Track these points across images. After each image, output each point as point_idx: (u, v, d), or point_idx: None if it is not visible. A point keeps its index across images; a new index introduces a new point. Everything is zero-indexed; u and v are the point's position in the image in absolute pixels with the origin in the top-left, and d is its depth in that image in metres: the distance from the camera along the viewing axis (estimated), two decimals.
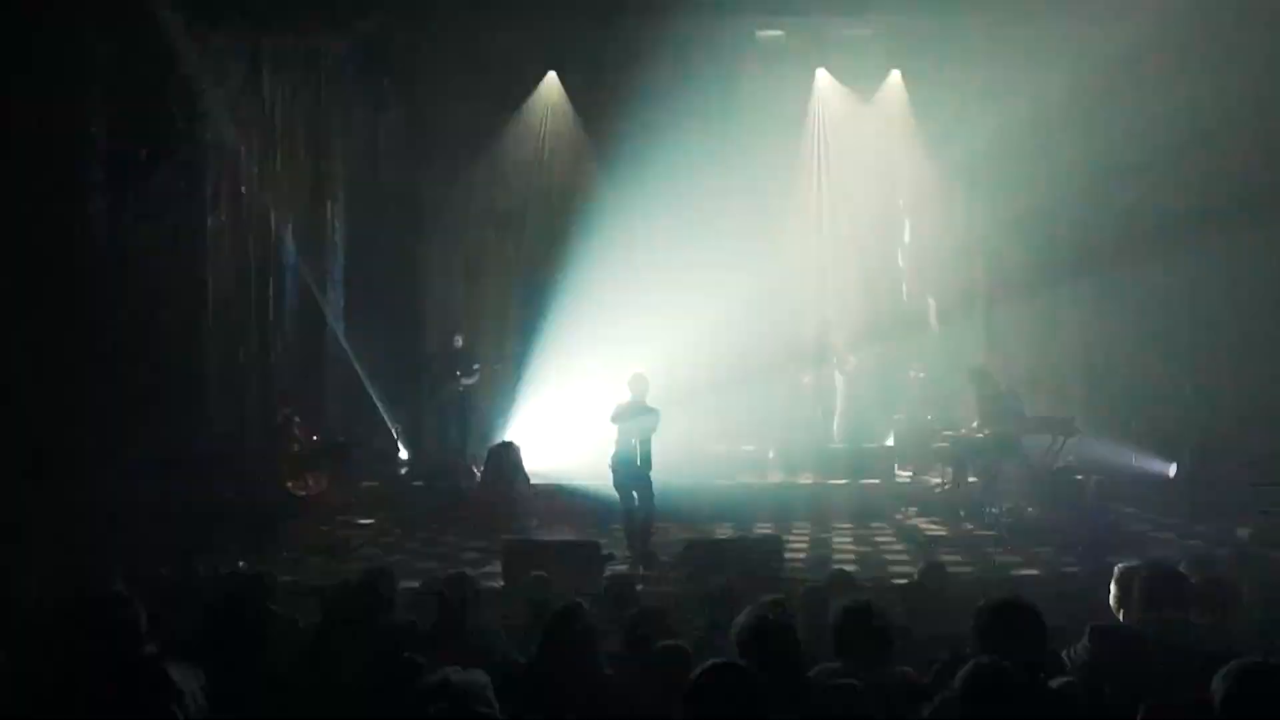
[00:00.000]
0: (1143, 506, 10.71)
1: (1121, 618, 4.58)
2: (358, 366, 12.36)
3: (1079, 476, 10.26)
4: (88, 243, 10.85)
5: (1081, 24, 11.11)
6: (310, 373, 12.70)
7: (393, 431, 12.69)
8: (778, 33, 12.68)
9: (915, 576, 6.56)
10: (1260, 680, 2.90)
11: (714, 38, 12.50)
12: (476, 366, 12.36)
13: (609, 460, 9.34)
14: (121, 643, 3.54)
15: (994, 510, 10.20)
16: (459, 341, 12.49)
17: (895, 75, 12.90)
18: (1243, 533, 8.90)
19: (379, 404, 12.78)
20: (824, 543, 10.07)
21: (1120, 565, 4.82)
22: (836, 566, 7.14)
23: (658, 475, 9.39)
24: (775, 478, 12.09)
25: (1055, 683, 3.49)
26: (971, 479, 10.48)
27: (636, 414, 9.21)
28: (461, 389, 12.22)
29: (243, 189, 12.03)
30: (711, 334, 12.86)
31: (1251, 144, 10.90)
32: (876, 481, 11.40)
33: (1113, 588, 4.70)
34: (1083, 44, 11.17)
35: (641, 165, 13.59)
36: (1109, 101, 11.45)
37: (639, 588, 6.37)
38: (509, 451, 11.08)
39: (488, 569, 8.52)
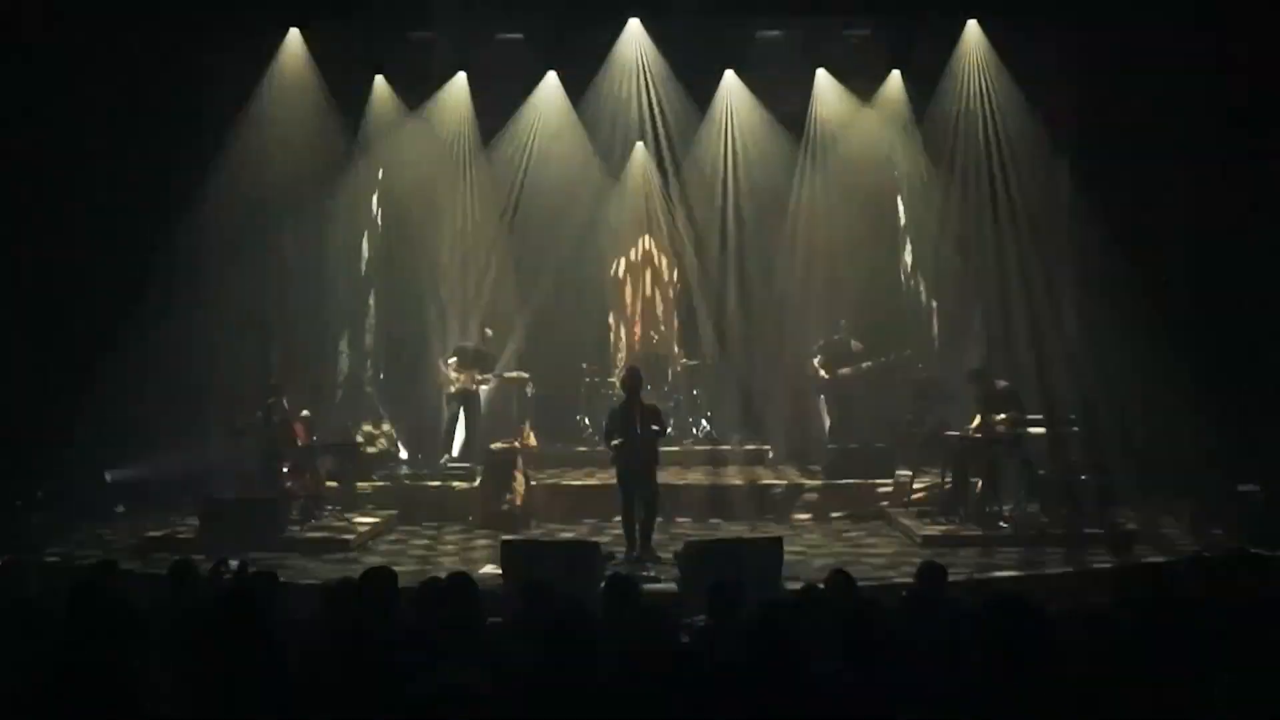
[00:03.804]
0: (1143, 506, 10.73)
1: None
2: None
3: (1080, 476, 10.26)
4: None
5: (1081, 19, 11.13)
6: (312, 371, 12.74)
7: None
8: (777, 33, 12.68)
9: (914, 576, 6.55)
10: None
11: (714, 37, 12.51)
12: (495, 373, 12.36)
13: (612, 457, 9.32)
14: (116, 643, 3.53)
15: (995, 510, 10.20)
16: (488, 333, 12.48)
17: (895, 75, 12.89)
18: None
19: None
20: (824, 543, 10.07)
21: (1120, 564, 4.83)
22: (836, 566, 7.13)
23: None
24: (776, 477, 12.09)
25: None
26: (972, 479, 10.47)
27: (634, 411, 9.20)
28: (475, 387, 12.22)
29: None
30: (711, 333, 12.90)
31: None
32: (876, 481, 11.39)
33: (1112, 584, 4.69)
34: (1081, 38, 11.20)
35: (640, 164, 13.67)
36: (1109, 98, 11.45)
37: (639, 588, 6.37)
38: (509, 452, 11.08)
39: (488, 569, 8.53)
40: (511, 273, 13.67)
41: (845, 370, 12.47)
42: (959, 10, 12.32)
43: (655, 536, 9.30)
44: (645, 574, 8.45)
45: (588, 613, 4.37)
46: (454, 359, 12.32)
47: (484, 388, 12.32)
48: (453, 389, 12.23)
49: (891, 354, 12.52)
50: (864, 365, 12.47)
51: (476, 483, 11.21)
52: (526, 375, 12.69)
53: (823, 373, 12.53)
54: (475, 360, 12.26)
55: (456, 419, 12.30)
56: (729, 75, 13.02)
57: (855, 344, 12.64)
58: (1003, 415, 10.18)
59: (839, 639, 3.87)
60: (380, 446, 12.46)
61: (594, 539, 9.04)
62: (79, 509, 10.76)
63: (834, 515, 11.09)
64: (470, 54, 12.78)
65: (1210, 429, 10.52)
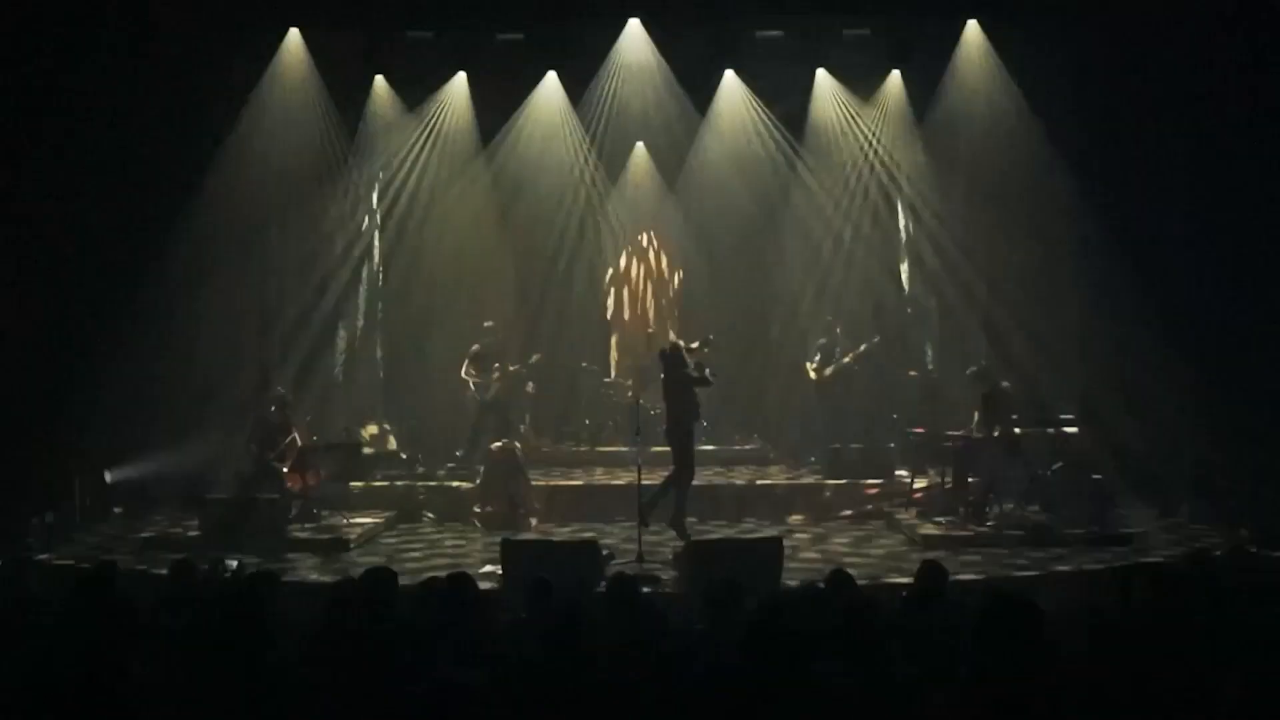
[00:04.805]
0: (1144, 505, 10.74)
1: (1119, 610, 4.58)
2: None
3: (1080, 476, 10.25)
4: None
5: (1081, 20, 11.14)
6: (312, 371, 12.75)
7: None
8: (777, 33, 12.67)
9: (915, 576, 6.55)
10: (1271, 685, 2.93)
11: (714, 37, 12.51)
12: (496, 366, 12.33)
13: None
14: (116, 643, 3.54)
15: (994, 510, 10.20)
16: (487, 324, 12.47)
17: (895, 75, 12.89)
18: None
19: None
20: (824, 543, 10.07)
21: (1120, 564, 4.83)
22: (836, 566, 7.13)
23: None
24: (775, 477, 12.09)
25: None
26: (971, 479, 10.46)
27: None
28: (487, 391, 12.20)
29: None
30: (712, 333, 12.89)
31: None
32: (876, 481, 11.39)
33: (1112, 584, 4.70)
34: (1081, 38, 11.21)
35: (640, 164, 13.68)
36: (1108, 98, 11.46)
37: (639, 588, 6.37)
38: (509, 451, 11.07)
39: (488, 569, 8.53)
40: (511, 272, 13.67)
41: (829, 370, 12.50)
42: (959, 10, 12.33)
43: (650, 538, 9.28)
44: (646, 573, 8.47)
45: (587, 613, 4.38)
46: (467, 362, 12.31)
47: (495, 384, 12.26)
48: (488, 395, 12.20)
49: (864, 345, 12.52)
50: (844, 360, 12.49)
51: (476, 483, 11.20)
52: (529, 360, 12.61)
53: (813, 374, 12.54)
54: (485, 360, 12.24)
55: (481, 424, 12.23)
56: (729, 75, 13.01)
57: (845, 342, 12.67)
58: (1003, 416, 10.18)
59: (839, 639, 3.87)
60: (380, 447, 12.45)
61: (594, 539, 9.03)
62: (79, 510, 10.75)
63: (833, 515, 11.08)
64: (470, 54, 12.78)
65: (1211, 429, 10.53)
